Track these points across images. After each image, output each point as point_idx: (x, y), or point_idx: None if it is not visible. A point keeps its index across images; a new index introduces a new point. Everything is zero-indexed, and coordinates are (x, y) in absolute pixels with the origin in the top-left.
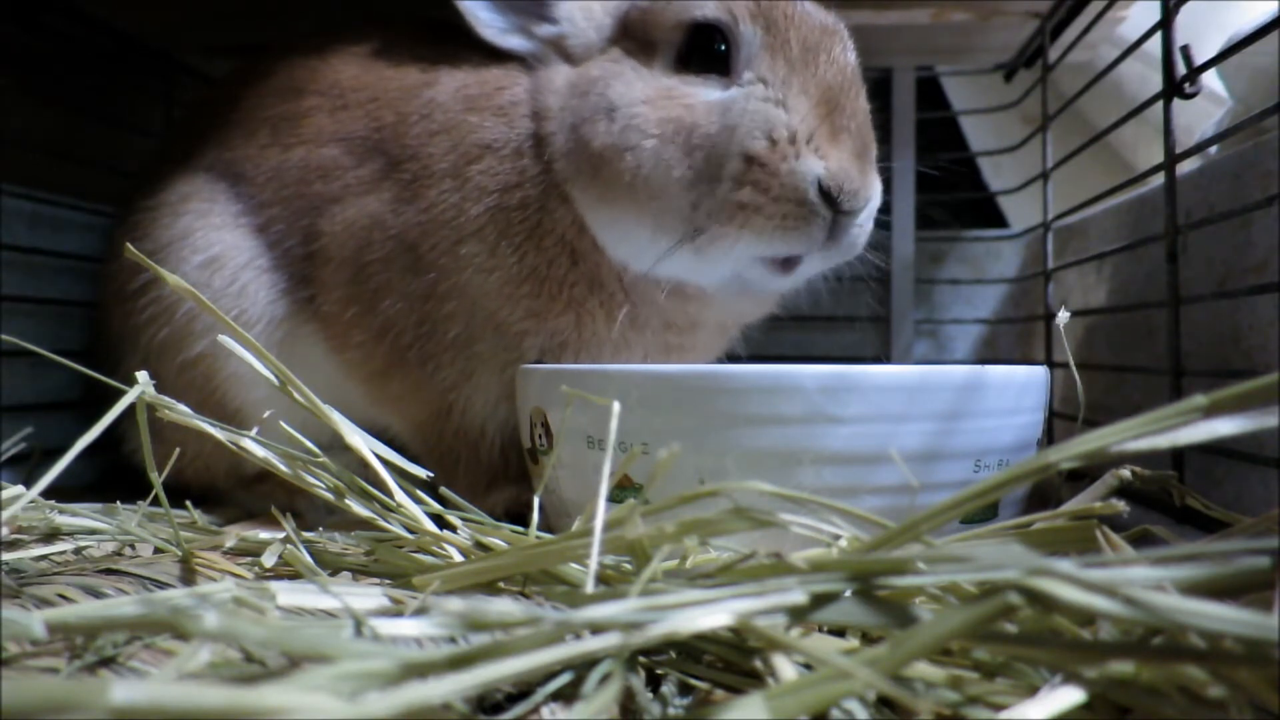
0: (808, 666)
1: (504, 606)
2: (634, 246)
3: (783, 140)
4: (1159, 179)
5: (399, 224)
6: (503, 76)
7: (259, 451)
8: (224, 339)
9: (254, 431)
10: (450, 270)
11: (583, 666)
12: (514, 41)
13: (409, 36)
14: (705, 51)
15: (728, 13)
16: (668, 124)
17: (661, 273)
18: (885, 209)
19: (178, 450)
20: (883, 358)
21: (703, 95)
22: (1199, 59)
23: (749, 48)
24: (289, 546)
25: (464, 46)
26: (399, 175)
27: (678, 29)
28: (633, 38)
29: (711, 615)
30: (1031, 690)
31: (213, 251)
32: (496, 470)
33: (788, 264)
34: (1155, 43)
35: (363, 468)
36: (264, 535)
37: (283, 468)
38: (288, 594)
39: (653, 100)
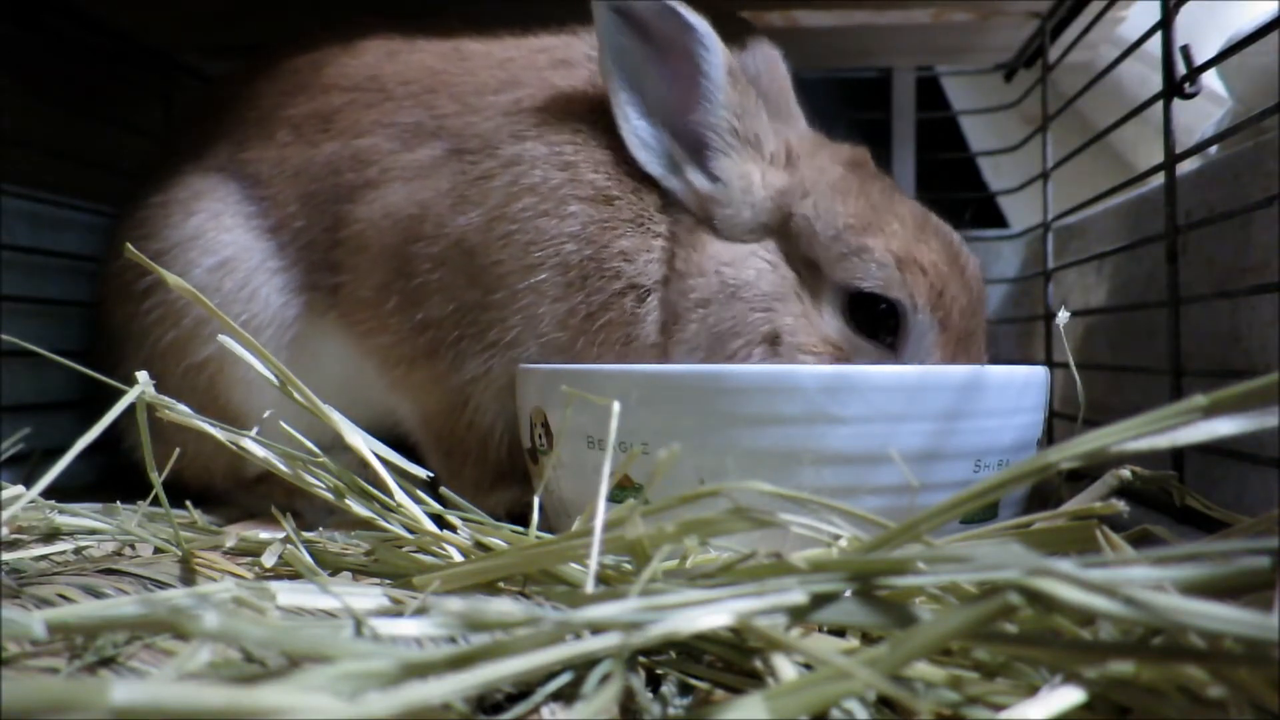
0: (808, 666)
1: (504, 606)
2: None
3: None
4: (1159, 179)
5: (458, 224)
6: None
7: (259, 451)
8: (225, 339)
9: (254, 431)
10: (520, 293)
11: (583, 666)
12: (662, 174)
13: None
14: (874, 313)
15: (909, 297)
16: None
17: None
18: None
19: (177, 451)
20: None
21: None
22: (1199, 59)
23: (923, 337)
24: (289, 546)
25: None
26: (463, 165)
27: (851, 287)
28: (792, 243)
29: (711, 615)
30: (1031, 690)
31: (224, 254)
32: (503, 469)
33: None
34: (1155, 43)
35: (363, 468)
36: (264, 535)
37: (283, 468)
38: (288, 594)
39: (819, 353)
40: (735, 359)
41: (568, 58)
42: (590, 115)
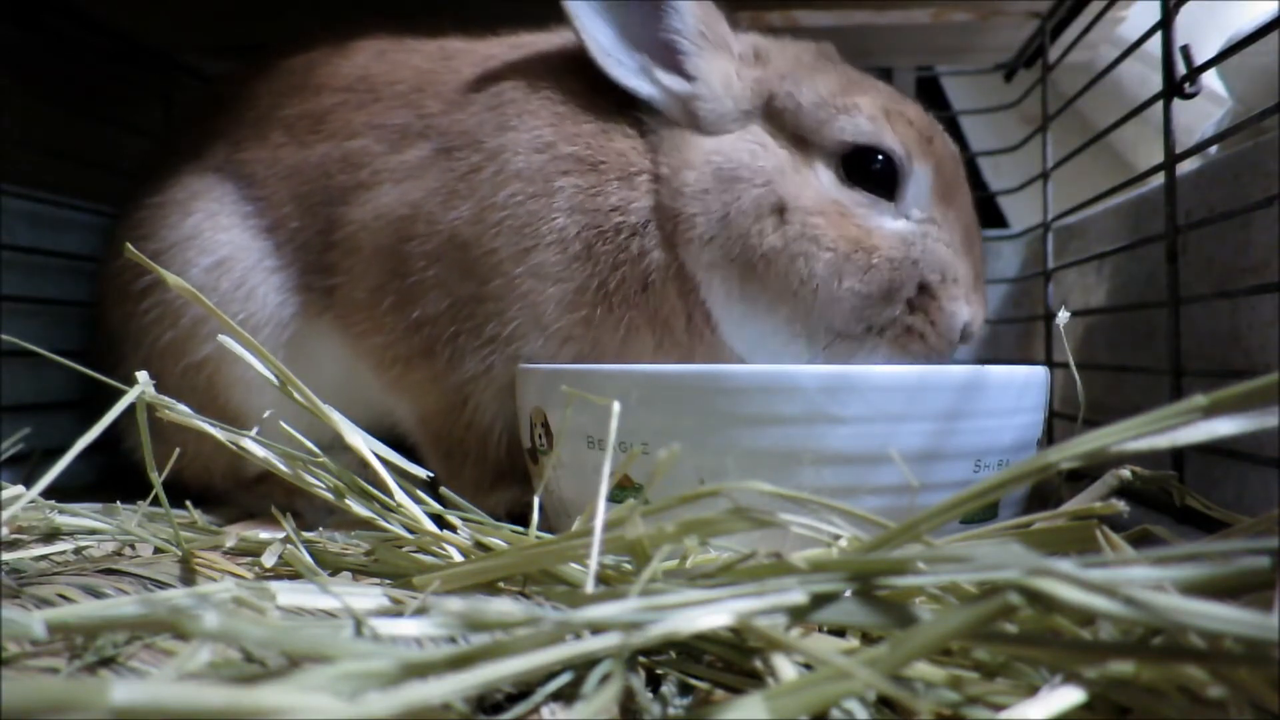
0: (808, 666)
1: (504, 606)
2: (761, 344)
3: (949, 281)
4: (1159, 179)
5: (449, 220)
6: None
7: (259, 451)
8: (224, 339)
9: (254, 431)
10: (517, 279)
11: (583, 666)
12: (638, 84)
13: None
14: (869, 169)
15: (901, 145)
16: (845, 241)
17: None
18: None
19: (177, 451)
20: None
21: (877, 219)
22: (1199, 59)
23: (919, 184)
24: (289, 546)
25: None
26: (451, 163)
27: (844, 145)
28: (777, 124)
29: (711, 615)
30: (1031, 690)
31: (221, 254)
32: (503, 469)
33: None
34: (1155, 43)
35: (363, 468)
36: (264, 535)
37: (283, 468)
38: (288, 594)
39: (827, 212)
40: (749, 238)
41: (545, 51)
42: (566, 97)
